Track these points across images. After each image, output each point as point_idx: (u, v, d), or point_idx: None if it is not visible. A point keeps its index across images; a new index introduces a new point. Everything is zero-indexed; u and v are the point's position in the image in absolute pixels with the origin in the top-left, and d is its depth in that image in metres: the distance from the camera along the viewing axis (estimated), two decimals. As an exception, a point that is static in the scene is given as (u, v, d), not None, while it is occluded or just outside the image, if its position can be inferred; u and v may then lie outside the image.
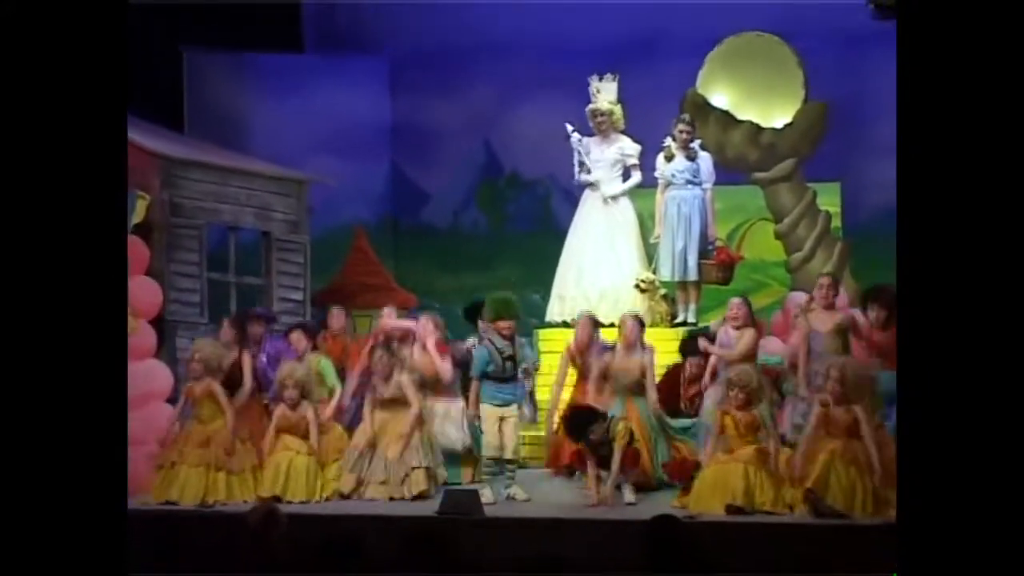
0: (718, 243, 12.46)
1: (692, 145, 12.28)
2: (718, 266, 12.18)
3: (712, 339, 10.75)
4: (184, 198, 12.37)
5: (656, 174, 12.39)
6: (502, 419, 10.34)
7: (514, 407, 10.43)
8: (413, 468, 10.40)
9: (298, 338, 11.18)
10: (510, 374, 10.39)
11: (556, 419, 10.69)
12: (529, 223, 14.93)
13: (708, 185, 12.36)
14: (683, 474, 10.14)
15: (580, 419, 10.13)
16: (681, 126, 12.27)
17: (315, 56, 15.91)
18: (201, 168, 12.68)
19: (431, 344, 10.93)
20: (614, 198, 12.44)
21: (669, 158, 12.29)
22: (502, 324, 10.38)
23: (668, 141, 12.30)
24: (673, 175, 12.28)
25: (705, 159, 12.38)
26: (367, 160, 15.59)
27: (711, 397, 10.49)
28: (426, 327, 11.00)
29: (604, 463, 9.96)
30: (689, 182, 12.26)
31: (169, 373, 11.48)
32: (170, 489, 10.35)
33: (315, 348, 11.37)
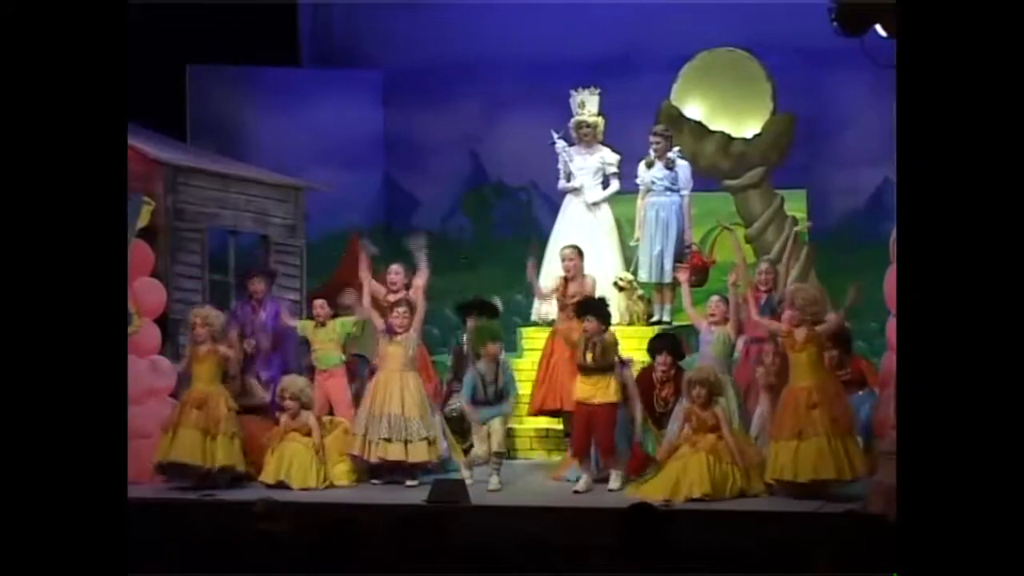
0: (693, 248, 12.80)
1: (671, 154, 12.69)
2: (691, 270, 12.42)
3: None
4: (187, 203, 12.52)
5: (637, 181, 12.79)
6: (488, 428, 10.75)
7: (499, 418, 10.82)
8: (423, 437, 10.73)
9: (320, 304, 11.65)
10: (492, 398, 10.78)
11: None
12: (513, 228, 14.98)
13: (686, 192, 12.76)
14: (636, 468, 10.51)
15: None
16: (652, 138, 12.72)
17: (312, 71, 16.06)
18: (203, 175, 12.82)
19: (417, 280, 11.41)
20: (596, 204, 12.88)
21: (649, 166, 12.73)
22: (491, 348, 10.78)
23: (651, 151, 12.75)
24: (653, 182, 12.72)
25: (684, 167, 12.81)
26: (361, 169, 15.69)
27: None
28: (398, 273, 11.48)
29: None
30: (668, 189, 12.70)
31: (173, 369, 11.64)
32: (171, 450, 10.72)
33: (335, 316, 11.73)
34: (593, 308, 10.62)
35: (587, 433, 10.46)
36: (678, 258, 12.63)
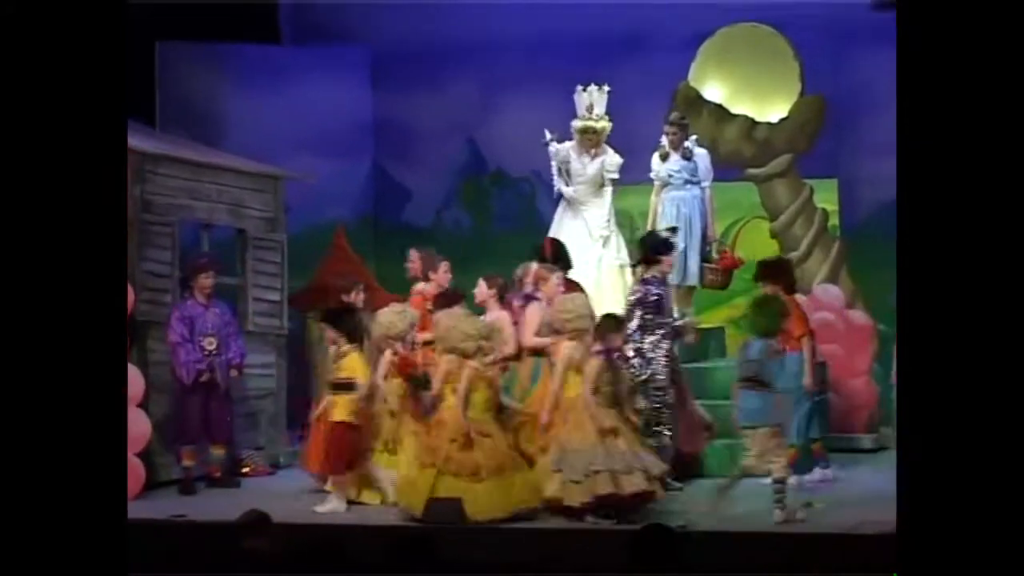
0: (723, 247, 12.22)
1: (687, 144, 12.02)
2: (722, 271, 11.89)
3: None
4: (156, 194, 12.07)
5: (652, 175, 12.18)
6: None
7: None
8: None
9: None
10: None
11: None
12: (514, 221, 14.91)
13: (707, 184, 12.12)
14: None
15: None
16: (667, 127, 12.03)
17: (293, 48, 15.88)
18: (173, 163, 12.39)
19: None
20: (594, 212, 12.08)
21: (664, 158, 12.05)
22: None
23: (663, 141, 12.07)
24: (670, 175, 12.06)
25: (702, 156, 12.18)
26: (347, 157, 15.56)
27: None
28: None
29: None
30: (687, 181, 12.05)
31: (140, 376, 11.16)
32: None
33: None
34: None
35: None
36: (705, 258, 11.91)
